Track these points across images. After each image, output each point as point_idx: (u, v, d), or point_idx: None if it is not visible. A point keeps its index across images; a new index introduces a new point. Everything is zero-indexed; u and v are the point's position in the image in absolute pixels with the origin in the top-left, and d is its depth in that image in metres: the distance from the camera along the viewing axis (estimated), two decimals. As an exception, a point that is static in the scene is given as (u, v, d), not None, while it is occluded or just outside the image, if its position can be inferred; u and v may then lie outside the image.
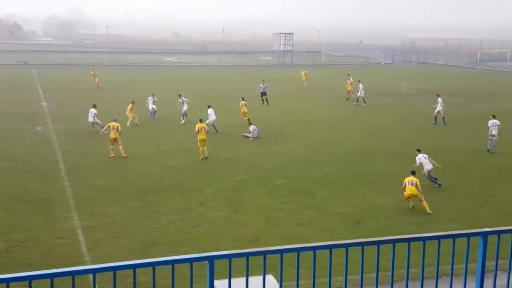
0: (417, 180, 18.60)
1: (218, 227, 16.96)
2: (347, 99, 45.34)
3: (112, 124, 25.95)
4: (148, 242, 15.65)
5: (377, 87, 53.61)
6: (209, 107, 31.47)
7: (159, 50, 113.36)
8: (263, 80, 43.93)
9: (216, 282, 4.18)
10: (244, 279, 4.17)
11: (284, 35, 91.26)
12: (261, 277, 4.26)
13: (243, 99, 34.90)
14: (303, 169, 23.92)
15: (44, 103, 40.90)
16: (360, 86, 43.11)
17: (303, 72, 56.02)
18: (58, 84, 52.87)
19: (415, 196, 18.51)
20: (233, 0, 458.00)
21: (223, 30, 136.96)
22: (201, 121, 26.16)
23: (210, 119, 30.64)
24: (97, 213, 17.93)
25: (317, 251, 4.31)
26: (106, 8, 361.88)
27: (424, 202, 18.52)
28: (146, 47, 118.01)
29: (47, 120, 34.08)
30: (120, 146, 25.51)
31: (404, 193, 18.61)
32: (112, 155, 25.44)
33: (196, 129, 25.19)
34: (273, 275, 7.97)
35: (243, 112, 34.01)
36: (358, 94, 43.28)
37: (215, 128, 30.78)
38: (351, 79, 46.63)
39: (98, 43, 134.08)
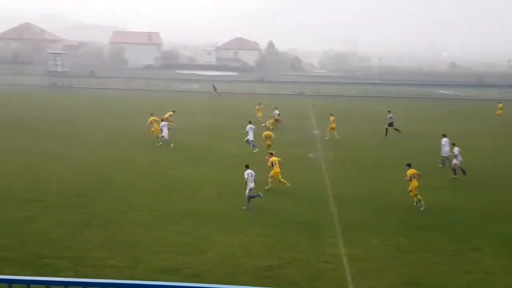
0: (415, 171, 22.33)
1: (494, 277, 15.44)
2: None
3: (265, 133, 32.69)
4: (411, 281, 15.12)
5: None
6: (444, 136, 30.27)
7: (434, 82, 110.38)
8: (389, 111, 42.09)
9: None
10: None
11: None
12: None
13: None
14: None
15: (316, 132, 43.32)
16: None
17: (499, 105, 51.75)
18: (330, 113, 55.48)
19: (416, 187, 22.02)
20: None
21: (509, 61, 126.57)
22: (272, 154, 26.06)
23: (443, 151, 29.74)
24: (361, 243, 18.05)
25: None
26: (381, 42, 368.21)
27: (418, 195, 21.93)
28: (419, 79, 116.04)
29: (318, 148, 35.92)
30: (269, 143, 31.64)
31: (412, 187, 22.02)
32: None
33: (269, 163, 25.16)
34: None
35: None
36: None
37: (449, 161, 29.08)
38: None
39: (370, 75, 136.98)
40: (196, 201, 22.41)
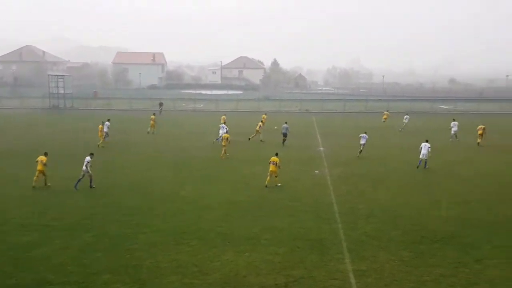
0: (278, 160, 28.41)
1: (498, 288, 15.42)
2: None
3: (225, 136, 38.09)
4: (418, 295, 15.04)
5: None
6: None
7: (434, 97, 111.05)
8: (286, 122, 45.86)
9: None
10: None
11: None
12: None
13: None
14: None
15: (321, 148, 43.35)
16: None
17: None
18: (334, 130, 55.83)
19: (274, 172, 28.28)
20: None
21: (507, 76, 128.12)
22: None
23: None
24: (367, 258, 18.01)
25: None
26: (384, 60, 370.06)
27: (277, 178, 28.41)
28: (421, 95, 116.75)
29: (324, 164, 35.92)
30: (224, 151, 37.56)
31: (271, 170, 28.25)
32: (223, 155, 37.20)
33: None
34: None
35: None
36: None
37: None
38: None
39: (374, 92, 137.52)
40: (203, 221, 22.37)
